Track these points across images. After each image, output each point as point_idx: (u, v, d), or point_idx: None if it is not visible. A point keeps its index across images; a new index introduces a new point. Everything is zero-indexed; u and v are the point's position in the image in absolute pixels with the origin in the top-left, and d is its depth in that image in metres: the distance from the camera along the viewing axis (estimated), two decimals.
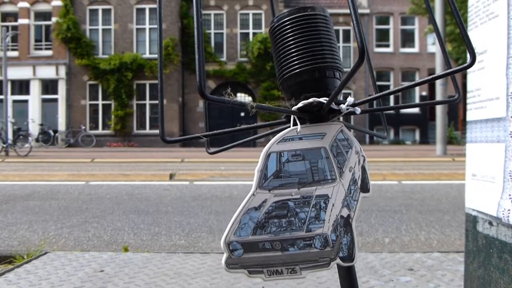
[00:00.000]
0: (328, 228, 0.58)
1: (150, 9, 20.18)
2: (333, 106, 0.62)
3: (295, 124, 0.63)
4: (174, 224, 3.36)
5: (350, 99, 0.62)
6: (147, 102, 20.32)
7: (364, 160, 0.67)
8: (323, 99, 0.60)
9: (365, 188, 0.66)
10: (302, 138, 0.62)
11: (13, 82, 19.54)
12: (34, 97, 20.19)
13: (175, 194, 4.92)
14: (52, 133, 19.02)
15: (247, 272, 0.59)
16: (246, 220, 0.59)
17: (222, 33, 21.25)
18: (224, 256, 0.59)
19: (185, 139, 0.68)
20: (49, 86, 20.41)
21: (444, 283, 1.65)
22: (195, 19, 0.53)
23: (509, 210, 0.97)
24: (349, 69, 0.52)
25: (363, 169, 0.67)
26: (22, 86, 20.34)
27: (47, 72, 20.08)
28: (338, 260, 0.58)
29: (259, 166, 0.61)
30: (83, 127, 19.65)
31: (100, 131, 20.23)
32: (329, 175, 0.60)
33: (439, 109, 12.12)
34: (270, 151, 0.61)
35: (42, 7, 20.45)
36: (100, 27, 20.42)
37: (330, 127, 0.63)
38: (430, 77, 0.62)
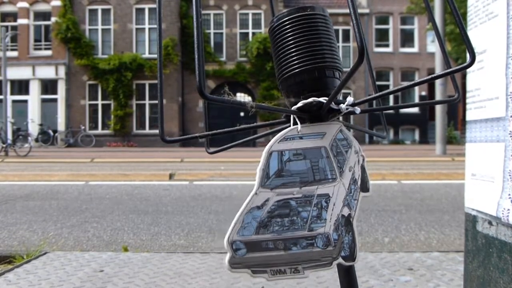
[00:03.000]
0: (329, 227, 0.57)
1: (150, 9, 20.17)
2: (333, 105, 0.62)
3: (295, 123, 0.63)
4: (173, 224, 3.36)
5: (350, 99, 0.62)
6: (147, 102, 20.31)
7: (363, 160, 0.68)
8: (322, 99, 0.60)
9: (364, 187, 0.66)
10: (303, 137, 0.62)
11: (13, 82, 19.52)
12: (34, 97, 20.17)
13: (175, 194, 4.92)
14: (51, 133, 19.00)
15: (250, 272, 0.58)
16: (249, 219, 0.58)
17: (221, 33, 21.24)
18: (228, 255, 0.58)
19: (185, 138, 0.68)
20: (48, 86, 20.39)
21: (444, 283, 1.65)
22: (194, 19, 0.53)
23: (508, 209, 0.97)
24: (348, 69, 0.52)
25: (363, 168, 0.67)
26: (21, 86, 20.32)
27: (47, 72, 20.07)
28: (340, 259, 0.58)
29: (261, 165, 0.61)
30: (83, 127, 19.64)
31: (99, 131, 20.21)
32: (330, 174, 0.60)
33: (438, 109, 12.12)
34: (272, 150, 0.61)
35: (41, 7, 20.43)
36: (100, 27, 20.40)
37: (330, 127, 0.63)
38: (430, 76, 0.62)
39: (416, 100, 20.40)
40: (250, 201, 0.59)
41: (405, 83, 0.62)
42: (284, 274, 0.58)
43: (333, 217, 0.58)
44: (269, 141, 0.63)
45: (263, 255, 0.58)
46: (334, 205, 0.58)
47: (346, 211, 0.60)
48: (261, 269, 0.58)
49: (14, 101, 19.66)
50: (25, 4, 20.27)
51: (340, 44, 21.16)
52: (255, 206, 0.59)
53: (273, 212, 0.58)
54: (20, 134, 14.10)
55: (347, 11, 15.94)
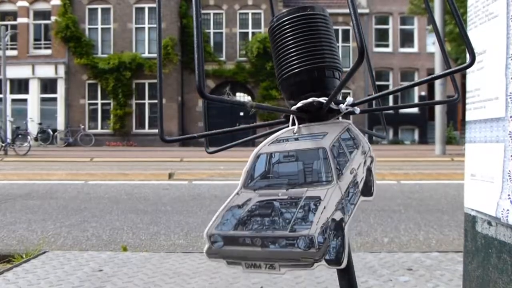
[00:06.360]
0: (315, 230, 0.57)
1: (150, 9, 20.16)
2: (333, 105, 0.61)
3: (294, 124, 0.63)
4: (173, 223, 3.36)
5: (350, 99, 0.62)
6: (146, 101, 20.30)
7: (371, 161, 0.65)
8: (322, 99, 0.60)
9: (367, 191, 0.63)
10: (299, 138, 0.61)
11: (12, 81, 19.51)
12: (33, 96, 20.15)
13: (174, 194, 4.92)
14: (51, 132, 18.99)
15: (225, 262, 0.61)
16: (228, 216, 0.60)
17: (221, 33, 21.24)
18: (206, 246, 0.61)
19: (184, 138, 0.68)
20: (48, 85, 20.37)
21: (443, 283, 1.65)
22: (194, 19, 0.53)
23: (508, 210, 0.97)
24: (348, 69, 0.52)
25: (369, 171, 0.64)
26: (21, 85, 20.30)
27: (46, 71, 20.05)
28: (323, 262, 0.57)
29: (247, 167, 0.62)
30: (82, 126, 19.63)
31: (99, 130, 20.20)
32: (324, 177, 0.59)
33: (438, 109, 12.12)
34: (260, 153, 0.62)
35: (41, 6, 20.41)
36: (99, 26, 20.40)
37: (333, 126, 0.62)
38: (430, 77, 0.62)
39: (416, 100, 20.42)
40: (231, 200, 0.61)
41: (405, 83, 0.62)
42: (259, 268, 0.60)
43: (321, 220, 0.57)
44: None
45: (239, 249, 0.60)
46: (324, 208, 0.57)
47: (338, 215, 0.58)
48: (236, 261, 0.60)
49: (13, 100, 19.66)
50: (25, 3, 20.25)
51: (340, 44, 21.16)
52: (235, 205, 0.60)
53: (253, 211, 0.60)
54: (20, 133, 14.10)
55: (347, 11, 15.77)
